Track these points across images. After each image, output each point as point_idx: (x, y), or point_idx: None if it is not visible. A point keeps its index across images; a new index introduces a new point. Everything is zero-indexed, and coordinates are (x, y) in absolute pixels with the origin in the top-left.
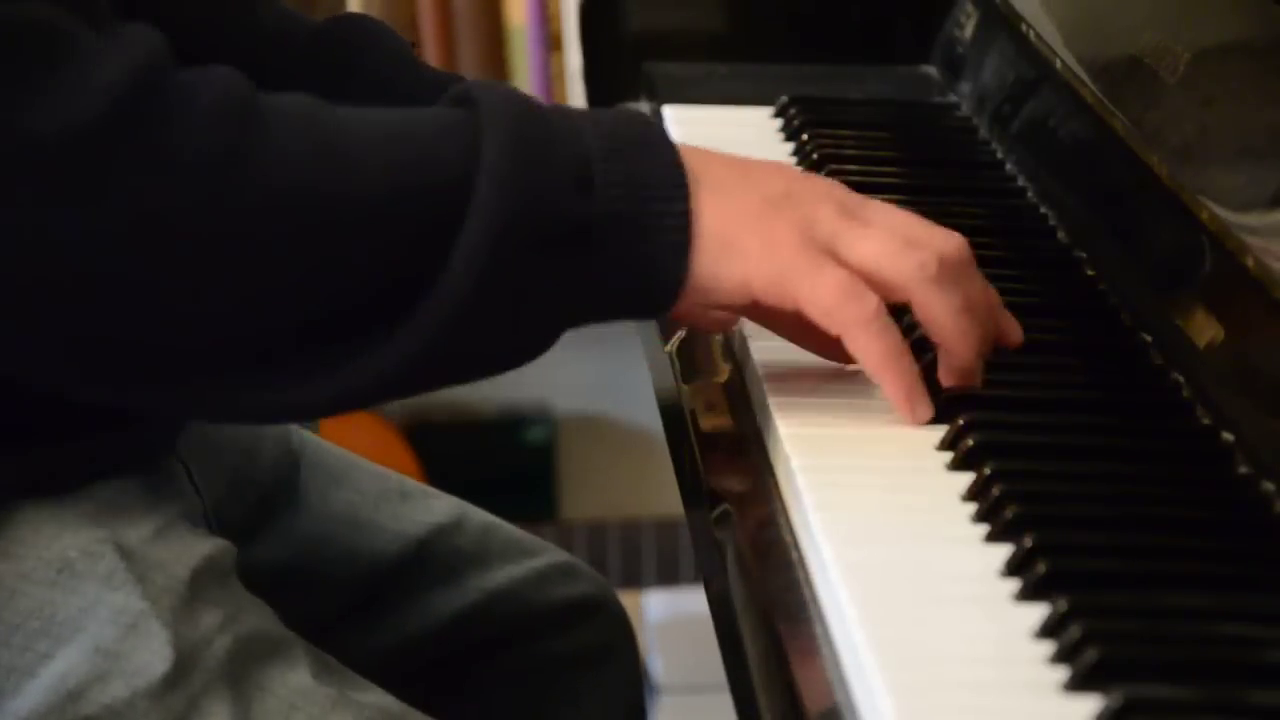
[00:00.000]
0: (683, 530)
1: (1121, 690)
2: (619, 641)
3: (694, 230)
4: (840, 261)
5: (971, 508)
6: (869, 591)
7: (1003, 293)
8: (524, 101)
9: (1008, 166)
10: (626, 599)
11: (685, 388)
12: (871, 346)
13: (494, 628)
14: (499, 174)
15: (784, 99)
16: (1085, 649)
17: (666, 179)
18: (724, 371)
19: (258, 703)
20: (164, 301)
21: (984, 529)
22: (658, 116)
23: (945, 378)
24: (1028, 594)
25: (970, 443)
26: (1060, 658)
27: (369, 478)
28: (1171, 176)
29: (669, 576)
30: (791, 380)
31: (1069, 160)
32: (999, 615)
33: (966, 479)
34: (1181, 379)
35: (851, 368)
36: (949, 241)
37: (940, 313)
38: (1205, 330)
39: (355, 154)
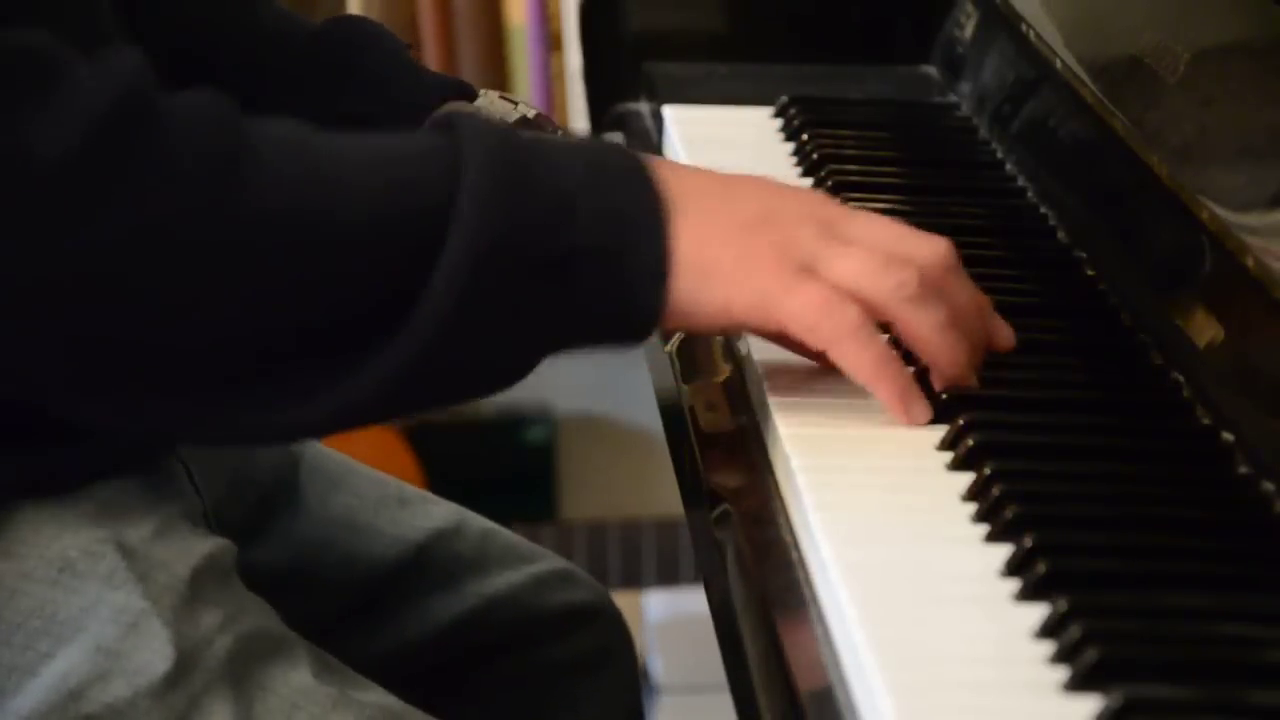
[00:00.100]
0: (683, 530)
1: (1121, 690)
2: (617, 647)
3: (671, 260)
4: (820, 280)
5: (971, 508)
6: (869, 591)
7: (1002, 293)
8: (506, 130)
9: (1008, 166)
10: (626, 599)
11: (685, 388)
12: (860, 357)
13: (493, 633)
14: (480, 194)
15: (784, 99)
16: (1085, 649)
17: (645, 209)
18: (724, 371)
19: (259, 702)
20: (159, 319)
21: (984, 529)
22: (658, 116)
23: (938, 386)
24: (1028, 594)
25: (970, 443)
26: (1060, 658)
27: (368, 483)
28: (1171, 176)
29: (669, 576)
30: (791, 380)
31: (1069, 160)
32: (999, 615)
33: (966, 479)
34: (1181, 379)
35: None
36: (933, 253)
37: (924, 331)
38: (1205, 330)
39: (342, 178)
